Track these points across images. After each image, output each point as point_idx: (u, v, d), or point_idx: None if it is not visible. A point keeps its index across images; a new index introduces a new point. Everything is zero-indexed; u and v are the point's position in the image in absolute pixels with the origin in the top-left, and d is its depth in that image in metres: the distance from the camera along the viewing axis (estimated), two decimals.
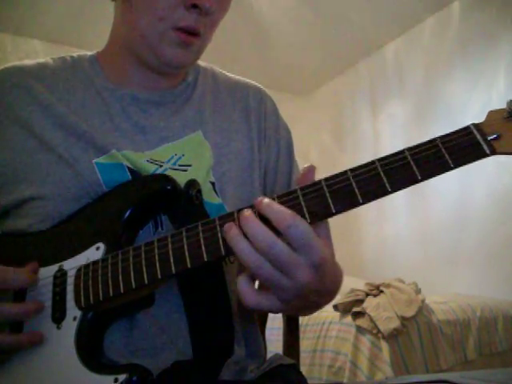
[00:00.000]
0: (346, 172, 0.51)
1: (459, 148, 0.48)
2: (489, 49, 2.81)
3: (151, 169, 0.67)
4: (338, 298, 2.07)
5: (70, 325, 0.57)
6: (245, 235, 0.49)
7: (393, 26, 3.32)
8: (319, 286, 0.51)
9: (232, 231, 0.49)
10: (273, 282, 0.48)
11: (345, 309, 1.99)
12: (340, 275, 0.60)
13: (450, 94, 3.02)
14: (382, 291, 2.02)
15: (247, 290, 0.50)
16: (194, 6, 0.66)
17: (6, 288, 0.58)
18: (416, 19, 3.25)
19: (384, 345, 1.77)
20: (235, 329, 0.67)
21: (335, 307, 2.03)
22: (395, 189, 0.49)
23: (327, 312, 2.10)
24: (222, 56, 2.34)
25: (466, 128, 0.49)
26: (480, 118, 0.51)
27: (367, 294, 2.02)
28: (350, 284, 2.53)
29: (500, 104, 0.48)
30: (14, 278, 0.57)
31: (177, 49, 0.68)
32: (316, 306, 0.62)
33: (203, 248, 0.52)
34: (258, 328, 0.77)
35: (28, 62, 0.77)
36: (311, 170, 0.53)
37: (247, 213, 0.49)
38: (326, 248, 0.49)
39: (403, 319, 1.81)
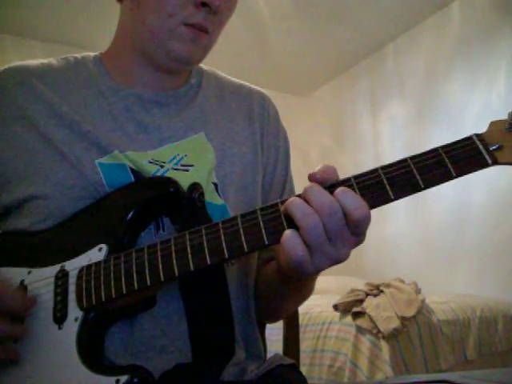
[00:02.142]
0: (349, 179, 0.52)
1: (461, 157, 0.49)
2: (489, 49, 2.81)
3: (153, 169, 0.67)
4: (338, 298, 2.07)
5: (72, 325, 0.57)
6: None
7: (393, 26, 3.32)
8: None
9: (294, 199, 0.51)
10: (319, 245, 0.50)
11: (345, 309, 1.99)
12: None
13: (449, 94, 3.02)
14: (382, 291, 2.02)
15: (297, 242, 0.50)
16: (204, 4, 0.67)
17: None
18: (416, 19, 3.26)
19: (384, 345, 1.77)
20: (235, 331, 0.67)
21: (335, 307, 2.03)
22: (398, 197, 0.50)
23: (327, 312, 2.10)
24: (222, 56, 2.34)
25: (469, 138, 0.50)
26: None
27: (367, 294, 2.02)
28: (350, 284, 2.53)
29: (500, 104, 0.49)
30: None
31: (186, 44, 0.69)
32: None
33: (206, 251, 0.53)
34: (258, 330, 0.77)
35: (32, 61, 0.77)
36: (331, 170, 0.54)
37: (313, 184, 0.52)
38: None
39: (403, 319, 1.81)
